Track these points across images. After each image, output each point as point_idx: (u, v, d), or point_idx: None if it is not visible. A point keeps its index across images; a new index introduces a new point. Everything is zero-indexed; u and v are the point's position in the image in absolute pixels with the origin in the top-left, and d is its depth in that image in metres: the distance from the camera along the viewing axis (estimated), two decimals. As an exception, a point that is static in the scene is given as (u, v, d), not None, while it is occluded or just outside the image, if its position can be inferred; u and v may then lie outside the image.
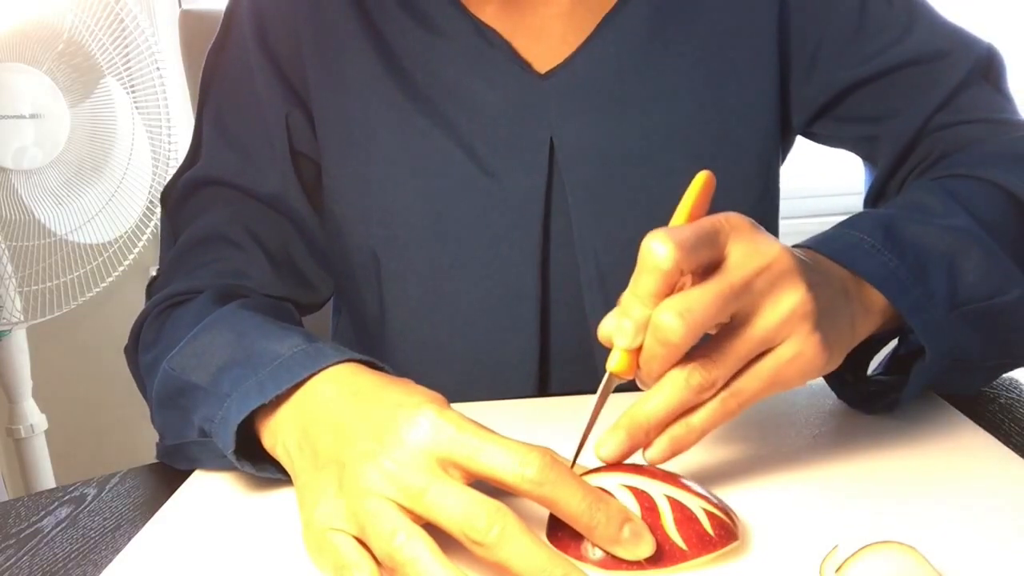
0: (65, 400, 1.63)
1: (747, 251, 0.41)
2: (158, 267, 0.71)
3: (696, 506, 0.38)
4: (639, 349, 0.40)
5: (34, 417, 1.43)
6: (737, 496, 0.44)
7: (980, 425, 0.52)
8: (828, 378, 0.55)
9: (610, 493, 0.38)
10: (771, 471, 0.47)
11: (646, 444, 0.41)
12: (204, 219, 0.68)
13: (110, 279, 1.43)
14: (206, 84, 0.72)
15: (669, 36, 0.67)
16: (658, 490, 0.39)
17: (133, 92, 1.39)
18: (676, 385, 0.40)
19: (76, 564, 0.45)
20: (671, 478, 0.40)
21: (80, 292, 1.40)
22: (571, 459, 0.42)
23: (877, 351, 0.56)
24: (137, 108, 1.39)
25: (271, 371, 0.46)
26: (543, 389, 0.70)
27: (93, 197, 1.37)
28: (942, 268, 0.48)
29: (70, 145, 1.33)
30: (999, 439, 0.49)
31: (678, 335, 0.38)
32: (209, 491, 0.51)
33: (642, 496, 0.38)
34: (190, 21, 0.96)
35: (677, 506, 0.38)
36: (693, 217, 0.43)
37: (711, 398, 0.41)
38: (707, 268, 0.41)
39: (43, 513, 0.52)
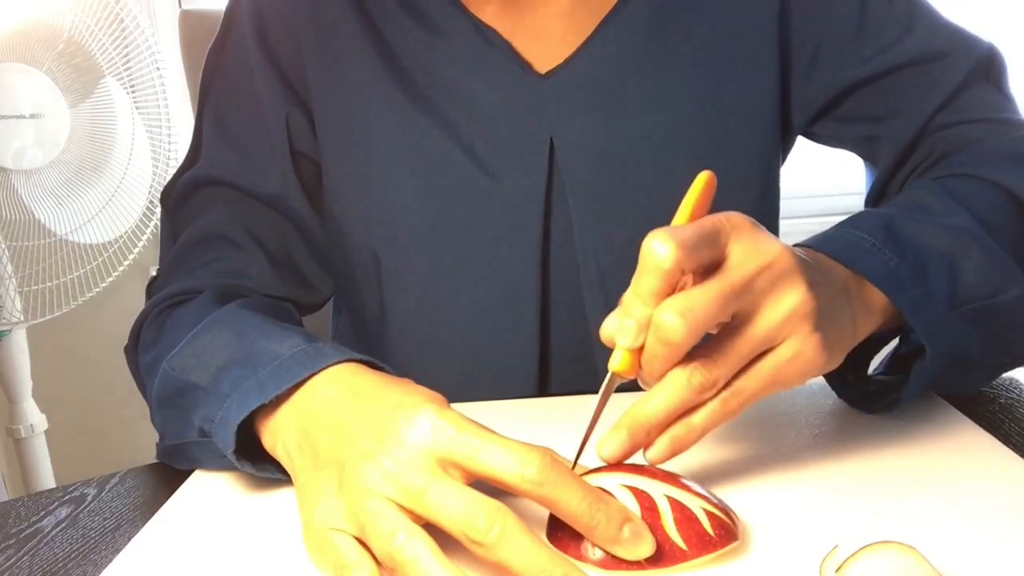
0: (65, 400, 1.63)
1: (748, 250, 0.41)
2: (158, 267, 0.71)
3: (696, 506, 0.38)
4: (641, 349, 0.40)
5: (34, 417, 1.43)
6: (737, 496, 0.44)
7: (980, 425, 0.52)
8: (829, 377, 0.55)
9: (610, 493, 0.38)
10: (771, 471, 0.47)
11: (647, 443, 0.41)
12: (204, 219, 0.68)
13: (110, 279, 1.43)
14: (206, 84, 0.72)
15: (669, 36, 0.67)
16: (658, 490, 0.39)
17: (133, 92, 1.39)
18: (677, 385, 0.40)
19: (76, 564, 0.45)
20: (671, 478, 0.40)
21: (80, 292, 1.40)
22: (572, 459, 0.42)
23: (878, 351, 0.56)
24: (137, 108, 1.39)
25: (271, 371, 0.46)
26: (543, 389, 0.70)
27: (93, 197, 1.37)
28: (942, 267, 0.49)
29: (70, 145, 1.33)
30: (999, 439, 0.49)
31: (680, 334, 0.38)
32: (209, 491, 0.51)
33: (642, 496, 0.38)
34: (190, 21, 0.96)
35: (677, 506, 0.38)
36: (694, 218, 0.43)
37: (712, 398, 0.41)
38: (708, 268, 0.41)
39: (43, 513, 0.52)
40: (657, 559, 0.37)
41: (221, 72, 0.71)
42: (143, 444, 1.72)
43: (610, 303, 0.42)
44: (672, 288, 0.39)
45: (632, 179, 0.66)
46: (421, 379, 0.44)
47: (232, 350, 0.50)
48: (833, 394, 0.57)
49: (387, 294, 0.70)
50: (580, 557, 0.38)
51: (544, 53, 0.67)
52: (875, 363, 0.57)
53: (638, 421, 0.40)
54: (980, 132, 0.63)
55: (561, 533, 0.39)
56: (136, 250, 1.45)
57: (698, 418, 0.41)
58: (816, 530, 0.40)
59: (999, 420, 0.54)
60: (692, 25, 0.67)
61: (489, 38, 0.67)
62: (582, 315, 0.68)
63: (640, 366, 0.41)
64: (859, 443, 0.50)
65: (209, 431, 0.48)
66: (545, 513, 0.39)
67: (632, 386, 0.43)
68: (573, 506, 0.36)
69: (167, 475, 0.56)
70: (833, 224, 0.52)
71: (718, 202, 0.45)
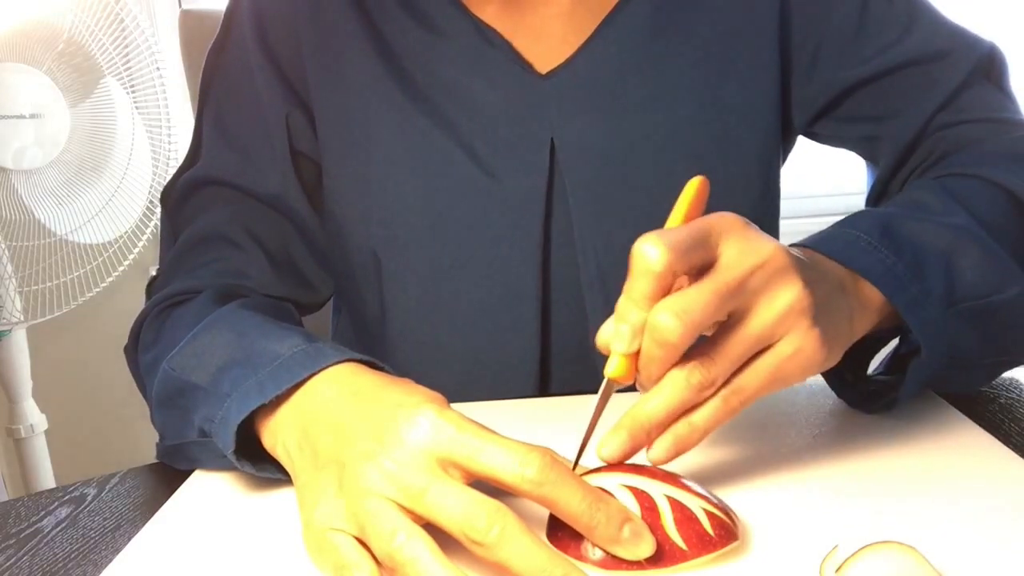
0: (65, 400, 1.63)
1: (741, 249, 0.41)
2: (158, 267, 0.71)
3: (696, 506, 0.38)
4: (637, 353, 0.40)
5: (34, 417, 1.43)
6: (737, 496, 0.44)
7: (980, 425, 0.52)
8: (828, 377, 0.55)
9: (610, 493, 0.38)
10: (771, 471, 0.47)
11: (648, 444, 0.41)
12: (204, 219, 0.68)
13: (110, 279, 1.43)
14: (206, 84, 0.72)
15: (670, 36, 0.67)
16: (658, 490, 0.39)
17: (133, 92, 1.39)
18: (677, 384, 0.40)
19: (76, 564, 0.45)
20: (671, 478, 0.40)
21: (80, 292, 1.40)
22: (572, 460, 0.42)
23: (877, 351, 0.56)
24: (137, 108, 1.39)
25: (271, 371, 0.46)
26: (543, 389, 0.70)
27: (93, 197, 1.37)
28: (940, 266, 0.48)
29: (70, 145, 1.33)
30: (999, 439, 0.49)
31: (676, 335, 0.38)
32: (209, 491, 0.51)
33: (642, 496, 0.38)
34: (190, 21, 0.96)
35: (677, 506, 0.38)
36: (687, 221, 0.43)
37: (712, 396, 0.41)
38: (702, 269, 0.41)
39: (43, 513, 0.52)
40: (657, 559, 0.37)
41: (221, 72, 0.71)
42: (143, 444, 1.73)
43: (610, 303, 0.42)
44: (665, 291, 0.39)
45: (633, 179, 0.66)
46: (421, 379, 0.44)
47: (232, 350, 0.50)
48: (833, 394, 0.57)
49: (387, 294, 0.70)
50: (580, 557, 0.38)
51: (545, 53, 0.67)
52: (875, 363, 0.57)
53: (638, 421, 0.40)
54: (981, 132, 0.63)
55: (561, 533, 0.39)
56: (136, 250, 1.45)
57: (700, 417, 0.41)
58: (816, 530, 0.40)
59: (999, 420, 0.54)
60: (693, 25, 0.67)
61: (489, 38, 0.67)
62: (582, 315, 0.68)
63: (637, 371, 0.41)
64: (859, 443, 0.50)
65: (209, 431, 0.48)
66: (545, 513, 0.39)
67: (633, 387, 0.43)
68: (573, 506, 0.36)
69: (167, 475, 0.56)
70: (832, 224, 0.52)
71: (719, 202, 0.45)
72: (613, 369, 0.41)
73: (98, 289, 1.42)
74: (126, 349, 0.66)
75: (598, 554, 0.37)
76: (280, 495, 0.49)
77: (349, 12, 0.68)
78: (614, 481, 0.39)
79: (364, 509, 0.37)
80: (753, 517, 0.42)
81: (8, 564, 0.45)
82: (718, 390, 0.41)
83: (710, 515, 0.38)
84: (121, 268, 1.44)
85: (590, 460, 0.42)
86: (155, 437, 0.57)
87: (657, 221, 0.43)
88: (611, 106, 0.66)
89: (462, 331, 0.68)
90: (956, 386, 0.55)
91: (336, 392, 0.44)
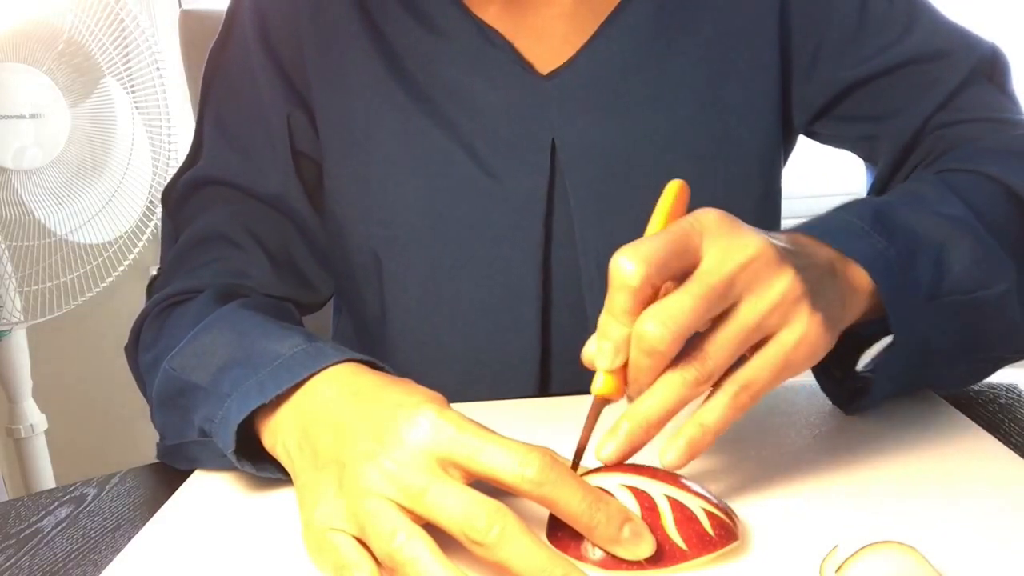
0: (65, 400, 1.63)
1: (725, 248, 0.40)
2: (159, 266, 0.71)
3: (696, 506, 0.38)
4: (623, 368, 0.40)
5: (34, 417, 1.43)
6: (737, 496, 0.44)
7: (980, 425, 0.52)
8: (815, 370, 0.54)
9: (610, 493, 0.38)
10: (771, 471, 0.47)
11: (646, 443, 0.41)
12: (205, 218, 0.68)
13: (110, 279, 1.43)
14: (207, 84, 0.72)
15: (671, 36, 0.67)
16: (658, 490, 0.39)
17: (133, 92, 1.39)
18: (673, 382, 0.40)
19: (76, 564, 0.45)
20: (671, 478, 0.40)
21: (80, 292, 1.40)
22: (570, 460, 0.42)
23: (867, 348, 0.55)
24: (137, 108, 1.39)
25: (271, 371, 0.46)
26: (544, 389, 0.70)
27: (93, 197, 1.37)
28: (931, 256, 0.48)
29: (70, 145, 1.33)
30: (999, 439, 0.49)
31: (664, 343, 0.38)
32: (209, 491, 0.51)
33: (642, 496, 0.38)
34: (190, 21, 0.96)
35: (677, 506, 0.38)
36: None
37: (719, 394, 0.41)
38: (686, 272, 0.40)
39: (43, 513, 0.52)
40: (657, 559, 0.37)
41: (222, 72, 0.71)
42: (143, 444, 1.72)
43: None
44: (646, 303, 0.39)
45: (634, 179, 0.66)
46: (422, 379, 0.44)
47: (232, 350, 0.50)
48: (833, 394, 0.57)
49: (388, 294, 0.70)
50: (580, 557, 0.38)
51: (546, 53, 0.67)
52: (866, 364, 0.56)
53: (636, 421, 0.40)
54: (980, 131, 0.63)
55: (561, 533, 0.39)
56: (136, 250, 1.45)
57: (710, 418, 0.41)
58: (816, 530, 0.40)
59: (999, 420, 0.54)
60: (694, 25, 0.67)
61: (491, 38, 0.67)
62: (583, 316, 0.68)
63: (625, 384, 0.40)
64: (859, 443, 0.50)
65: (209, 431, 0.48)
66: (545, 513, 0.39)
67: None
68: (573, 506, 0.36)
69: (167, 475, 0.56)
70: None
71: (720, 203, 0.44)
72: (600, 387, 0.41)
73: (98, 289, 1.42)
74: (126, 348, 0.66)
75: (598, 554, 0.37)
76: (280, 495, 0.49)
77: (351, 12, 0.68)
78: (614, 481, 0.39)
79: (364, 509, 0.37)
80: (753, 517, 0.42)
81: (8, 564, 0.45)
82: (718, 386, 0.41)
83: (710, 515, 0.38)
84: (121, 268, 1.44)
85: (589, 460, 0.42)
86: (155, 437, 0.57)
87: None
88: (612, 106, 0.66)
89: (462, 331, 0.68)
90: (938, 382, 0.54)
91: (336, 392, 0.44)
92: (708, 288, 0.39)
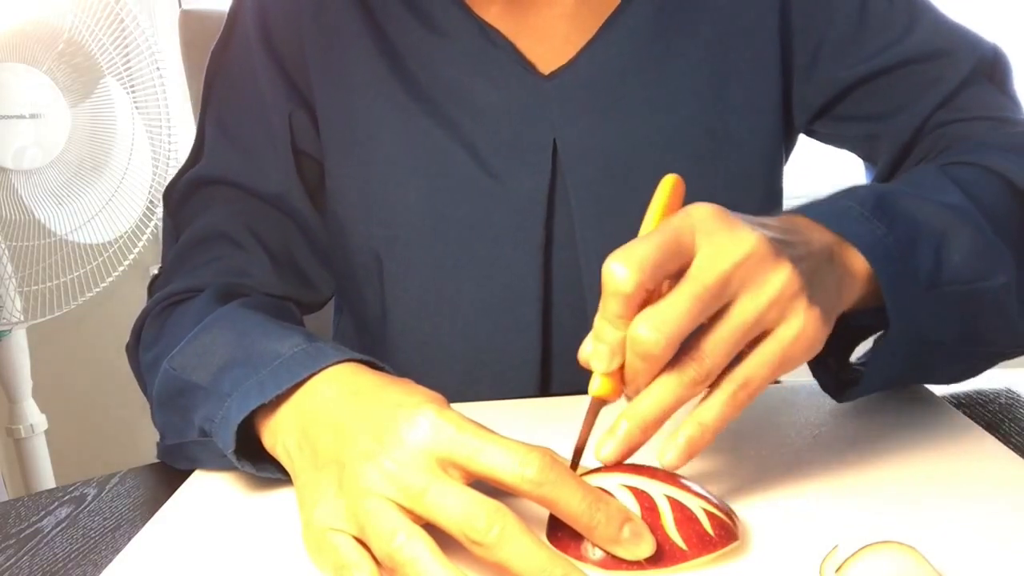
0: (65, 400, 1.64)
1: (719, 246, 0.39)
2: (160, 265, 0.71)
3: (696, 506, 0.38)
4: (620, 369, 0.40)
5: (34, 417, 1.43)
6: (737, 496, 0.44)
7: (980, 425, 0.52)
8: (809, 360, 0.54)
9: (610, 493, 0.38)
10: (771, 471, 0.47)
11: (644, 443, 0.41)
12: (206, 217, 0.68)
13: (110, 279, 1.43)
14: (209, 83, 0.72)
15: (672, 36, 0.67)
16: (658, 490, 0.39)
17: (133, 92, 1.39)
18: (670, 382, 0.40)
19: (76, 564, 0.45)
20: (671, 478, 0.40)
21: (80, 292, 1.40)
22: (571, 460, 0.42)
23: (864, 339, 0.55)
24: (137, 108, 1.39)
25: (271, 371, 0.46)
26: (545, 390, 0.70)
27: (93, 197, 1.37)
28: (931, 245, 0.48)
29: (70, 145, 1.33)
30: (999, 439, 0.49)
31: (658, 347, 0.38)
32: (209, 491, 0.51)
33: (642, 496, 0.38)
34: (190, 21, 0.96)
35: (677, 506, 0.38)
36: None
37: (716, 392, 0.41)
38: (681, 271, 0.40)
39: (43, 513, 0.52)
40: (657, 559, 0.37)
41: (224, 71, 0.71)
42: (143, 444, 1.73)
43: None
44: (638, 307, 0.39)
45: (635, 180, 0.66)
46: (423, 379, 0.44)
47: (233, 349, 0.50)
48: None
49: (388, 294, 0.70)
50: (580, 557, 0.38)
51: (547, 54, 0.67)
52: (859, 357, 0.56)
53: (634, 421, 0.40)
54: (980, 129, 0.63)
55: (561, 533, 0.39)
56: (136, 250, 1.45)
57: (709, 416, 0.40)
58: (816, 530, 0.40)
59: (999, 420, 0.54)
60: (695, 25, 0.67)
61: (493, 39, 0.67)
62: (584, 316, 0.68)
63: (622, 385, 0.40)
64: (859, 443, 0.50)
65: (209, 431, 0.48)
66: (545, 513, 0.39)
67: None
68: (573, 506, 0.36)
69: (167, 475, 0.56)
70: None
71: (722, 203, 0.43)
72: (597, 389, 0.40)
73: (98, 289, 1.42)
74: (127, 347, 0.66)
75: (598, 554, 0.37)
76: (280, 495, 0.49)
77: (352, 12, 0.68)
78: (614, 481, 0.39)
79: (364, 509, 0.37)
80: (753, 517, 0.42)
81: (8, 564, 0.45)
82: (716, 384, 0.41)
83: (710, 515, 0.38)
84: (121, 268, 1.44)
85: (588, 460, 0.42)
86: (155, 437, 0.57)
87: None
88: (613, 107, 0.66)
89: (463, 331, 0.68)
90: (933, 378, 0.54)
91: (336, 392, 0.44)
92: (702, 288, 0.39)
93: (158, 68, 1.39)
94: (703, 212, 0.40)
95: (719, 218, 0.40)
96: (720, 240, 0.40)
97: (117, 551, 0.45)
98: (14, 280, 1.34)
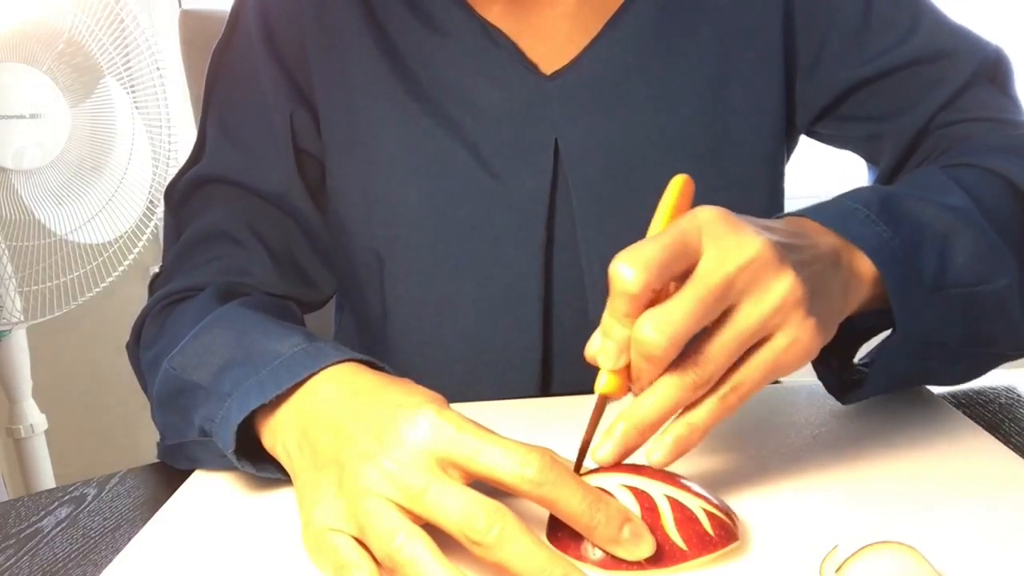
0: (65, 400, 1.64)
1: (724, 248, 0.40)
2: (161, 264, 0.71)
3: (696, 506, 0.38)
4: (626, 367, 0.40)
5: (34, 417, 1.43)
6: (737, 496, 0.44)
7: (980, 425, 0.52)
8: (813, 360, 0.54)
9: (610, 493, 0.38)
10: (771, 471, 0.47)
11: (641, 444, 0.41)
12: (207, 216, 0.69)
13: (110, 279, 1.43)
14: (211, 82, 0.72)
15: (674, 37, 0.67)
16: (658, 490, 0.39)
17: (133, 92, 1.39)
18: (671, 385, 0.40)
19: (76, 564, 0.45)
20: (671, 478, 0.40)
21: (80, 292, 1.40)
22: (572, 460, 0.42)
23: (866, 340, 0.55)
24: (137, 108, 1.39)
25: (271, 371, 0.46)
26: (546, 390, 0.70)
27: (93, 197, 1.37)
28: (935, 247, 0.48)
29: (70, 145, 1.33)
30: (999, 439, 0.49)
31: (661, 349, 0.38)
32: (209, 491, 0.51)
33: (642, 496, 0.38)
34: (190, 21, 0.96)
35: (677, 506, 0.38)
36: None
37: (709, 395, 0.41)
38: (687, 272, 0.40)
39: (43, 513, 0.52)
40: (657, 559, 0.37)
41: (226, 70, 0.71)
42: (143, 444, 1.73)
43: (611, 306, 0.41)
44: (645, 305, 0.39)
45: (637, 180, 0.66)
46: (424, 379, 0.44)
47: (233, 349, 0.50)
48: (833, 394, 0.56)
49: (390, 294, 0.70)
50: (580, 557, 0.38)
51: (550, 54, 0.67)
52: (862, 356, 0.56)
53: (632, 423, 0.40)
54: (981, 130, 0.63)
55: (561, 533, 0.39)
56: (136, 250, 1.45)
57: (699, 417, 0.41)
58: (816, 530, 0.40)
59: (999, 420, 0.54)
60: (697, 25, 0.67)
61: (495, 38, 0.67)
62: (585, 316, 0.68)
63: (628, 382, 0.40)
64: (859, 443, 0.50)
65: (209, 431, 0.48)
66: (545, 513, 0.39)
67: None
68: (573, 506, 0.36)
69: (167, 475, 0.56)
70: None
71: (724, 204, 0.43)
72: (604, 386, 0.41)
73: (98, 289, 1.42)
74: (128, 346, 0.66)
75: (598, 554, 0.37)
76: (280, 495, 0.49)
77: (354, 11, 0.68)
78: (614, 481, 0.39)
79: (364, 509, 0.37)
80: (753, 517, 0.42)
81: (8, 564, 0.45)
82: (715, 388, 0.41)
83: (710, 515, 0.38)
84: (121, 268, 1.44)
85: (589, 460, 0.42)
86: (155, 437, 0.57)
87: None
88: (615, 107, 0.66)
89: (464, 331, 0.68)
90: (935, 379, 0.54)
91: (336, 392, 0.44)
92: (706, 291, 0.39)
93: (158, 68, 1.39)
94: (710, 215, 0.41)
95: (726, 221, 0.41)
96: (726, 243, 0.40)
97: (117, 551, 0.45)
98: (14, 280, 1.34)
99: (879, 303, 0.47)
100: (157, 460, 0.58)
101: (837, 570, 0.35)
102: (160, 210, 1.43)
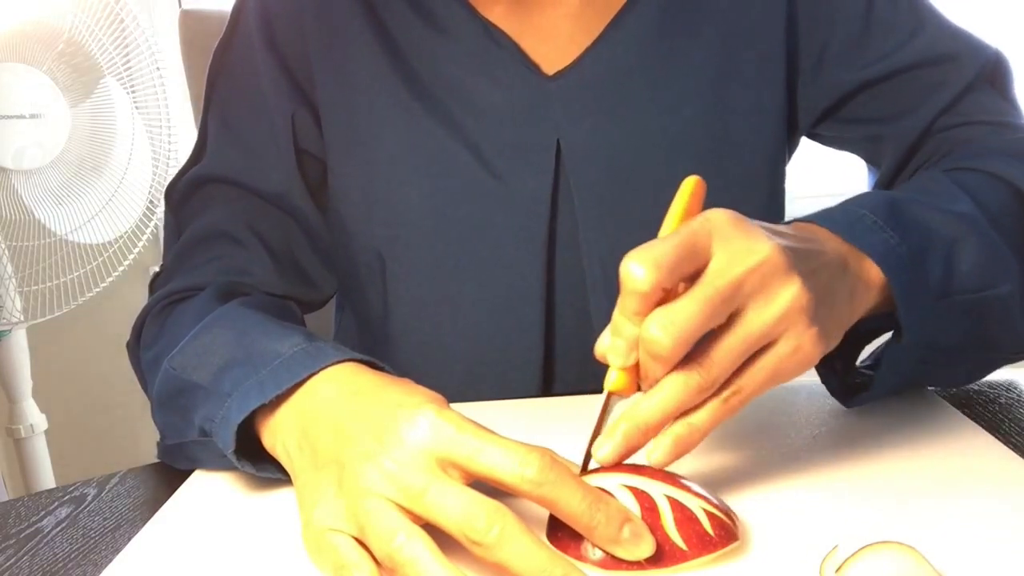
0: (65, 400, 1.64)
1: (734, 251, 0.40)
2: (161, 263, 0.71)
3: (696, 506, 0.38)
4: (635, 365, 0.40)
5: (34, 417, 1.43)
6: (737, 496, 0.44)
7: (980, 425, 0.52)
8: (817, 364, 0.54)
9: (610, 493, 0.38)
10: (771, 471, 0.47)
11: (643, 445, 0.41)
12: (207, 216, 0.69)
13: (110, 279, 1.43)
14: (212, 82, 0.72)
15: (677, 38, 0.67)
16: (658, 490, 0.39)
17: (133, 92, 1.39)
18: (675, 386, 0.40)
19: (76, 564, 0.45)
20: (671, 478, 0.40)
21: (80, 292, 1.40)
22: (572, 460, 0.42)
23: (869, 342, 0.55)
24: (137, 108, 1.39)
25: (271, 371, 0.46)
26: (547, 390, 0.70)
27: (93, 197, 1.37)
28: (942, 254, 0.48)
29: (70, 145, 1.33)
30: (999, 439, 0.49)
31: (667, 350, 0.38)
32: (209, 491, 0.51)
33: (642, 496, 0.38)
34: (190, 21, 0.96)
35: (677, 506, 0.38)
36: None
37: (712, 397, 0.41)
38: (696, 273, 0.40)
39: (43, 513, 0.52)
40: (657, 559, 0.37)
41: (227, 70, 0.71)
42: (143, 444, 1.73)
43: (615, 305, 0.41)
44: (655, 304, 0.39)
45: (638, 181, 0.66)
46: (424, 379, 0.44)
47: (233, 349, 0.50)
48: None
49: (391, 294, 0.70)
50: (580, 557, 0.38)
51: (552, 54, 0.67)
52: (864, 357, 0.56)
53: (634, 423, 0.40)
54: (981, 134, 0.63)
55: (561, 533, 0.39)
56: (136, 250, 1.45)
57: (699, 418, 0.41)
58: (816, 530, 0.40)
59: (999, 420, 0.54)
60: (699, 26, 0.67)
61: (496, 38, 0.67)
62: (587, 317, 0.68)
63: (637, 380, 0.41)
64: (859, 443, 0.50)
65: (209, 431, 0.48)
66: (545, 513, 0.39)
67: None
68: (573, 506, 0.36)
69: (167, 475, 0.56)
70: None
71: (725, 205, 0.43)
72: (613, 383, 0.41)
73: (98, 289, 1.42)
74: (128, 345, 0.66)
75: (598, 554, 0.37)
76: (280, 495, 0.49)
77: (356, 10, 0.68)
78: (614, 481, 0.39)
79: (364, 509, 0.37)
80: (753, 517, 0.42)
81: (8, 564, 0.45)
82: (718, 391, 0.41)
83: (710, 515, 0.38)
84: (121, 268, 1.44)
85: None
86: (155, 437, 0.57)
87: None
88: (617, 108, 0.66)
89: (466, 331, 0.68)
90: (939, 380, 0.54)
91: (336, 392, 0.44)
92: (714, 292, 0.39)
93: (158, 68, 1.39)
94: (721, 218, 0.41)
95: (736, 225, 0.41)
96: (735, 246, 0.40)
97: (117, 551, 0.45)
98: (14, 280, 1.34)
99: (885, 308, 0.48)
100: (157, 460, 0.58)
101: (837, 570, 0.35)
102: (160, 210, 1.43)
